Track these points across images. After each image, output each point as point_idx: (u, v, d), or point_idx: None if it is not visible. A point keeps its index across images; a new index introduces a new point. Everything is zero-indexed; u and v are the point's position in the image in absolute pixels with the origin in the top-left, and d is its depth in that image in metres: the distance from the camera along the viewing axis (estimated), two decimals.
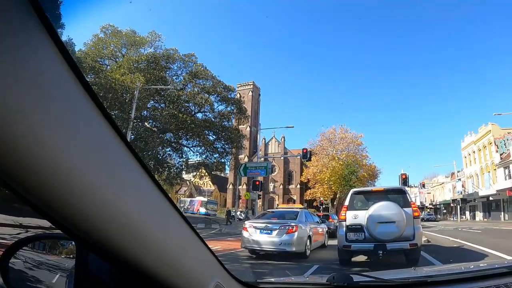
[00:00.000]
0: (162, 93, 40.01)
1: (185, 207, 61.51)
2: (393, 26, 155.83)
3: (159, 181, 1.05)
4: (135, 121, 34.33)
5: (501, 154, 53.54)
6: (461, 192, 65.86)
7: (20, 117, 0.60)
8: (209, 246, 1.41)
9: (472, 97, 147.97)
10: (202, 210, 60.37)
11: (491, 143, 56.12)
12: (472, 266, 3.68)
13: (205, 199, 68.11)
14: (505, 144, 53.04)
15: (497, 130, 55.51)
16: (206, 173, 60.86)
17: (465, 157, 68.69)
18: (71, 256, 2.02)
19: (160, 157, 39.48)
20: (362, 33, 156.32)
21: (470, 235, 22.82)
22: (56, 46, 0.62)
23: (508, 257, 11.00)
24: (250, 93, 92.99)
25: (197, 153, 46.84)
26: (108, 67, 38.93)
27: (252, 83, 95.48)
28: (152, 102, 41.45)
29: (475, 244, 15.86)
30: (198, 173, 58.71)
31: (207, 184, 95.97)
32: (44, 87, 0.65)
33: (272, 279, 2.52)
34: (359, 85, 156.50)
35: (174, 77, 44.71)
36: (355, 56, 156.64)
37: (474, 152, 63.86)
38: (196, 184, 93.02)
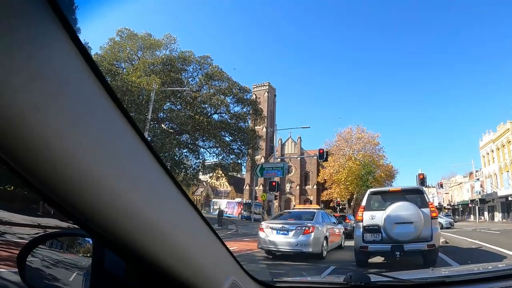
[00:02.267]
0: (178, 95, 40.17)
1: (220, 209, 60.65)
2: (413, 24, 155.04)
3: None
4: (151, 123, 34.62)
5: None
6: (480, 192, 64.62)
7: (36, 111, 0.60)
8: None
9: (491, 95, 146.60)
10: (245, 213, 59.49)
11: (510, 141, 55.32)
12: (490, 267, 3.66)
13: (249, 201, 65.56)
14: None
15: None
16: (223, 174, 60.30)
17: (484, 156, 67.89)
18: (88, 255, 2.05)
19: (177, 158, 39.44)
20: (381, 32, 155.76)
21: (488, 236, 22.69)
22: (72, 41, 0.64)
23: None
24: (266, 94, 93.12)
25: (214, 154, 46.89)
26: (125, 70, 39.27)
27: (267, 83, 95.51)
28: (169, 104, 41.70)
29: (494, 246, 15.80)
30: (214, 174, 58.81)
31: (223, 185, 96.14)
32: (61, 81, 0.64)
33: (289, 279, 2.52)
34: (377, 84, 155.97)
35: (190, 79, 44.99)
36: (373, 56, 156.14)
37: (492, 151, 63.04)
38: (213, 185, 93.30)
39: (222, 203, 63.25)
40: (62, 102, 0.64)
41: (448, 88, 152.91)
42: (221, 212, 40.71)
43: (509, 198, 53.25)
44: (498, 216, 59.70)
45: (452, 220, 43.41)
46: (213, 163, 50.06)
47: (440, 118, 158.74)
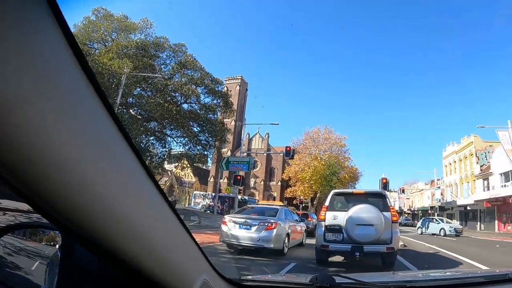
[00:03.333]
0: (149, 81, 39.48)
1: (203, 204, 58.04)
2: (384, 28, 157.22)
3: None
4: (120, 107, 33.92)
5: (481, 166, 54.76)
6: (440, 199, 66.95)
7: (21, 104, 0.57)
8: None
9: (458, 108, 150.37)
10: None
11: (472, 154, 57.25)
12: (449, 274, 3.85)
13: (245, 197, 60.00)
14: (485, 157, 53.94)
15: (479, 142, 56.46)
16: (188, 165, 60.02)
17: (446, 166, 69.99)
18: (51, 243, 1.98)
19: (143, 146, 38.89)
20: (352, 35, 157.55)
21: (445, 243, 23.34)
22: (64, 34, 0.61)
23: (482, 267, 11.30)
24: (238, 87, 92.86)
25: (180, 144, 46.58)
26: (97, 51, 38.31)
27: (240, 77, 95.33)
28: (139, 89, 40.98)
29: (450, 252, 16.31)
30: (180, 164, 58.24)
31: (188, 176, 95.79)
32: (49, 75, 0.62)
33: (255, 277, 2.56)
34: (347, 88, 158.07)
35: (162, 66, 44.18)
36: (344, 59, 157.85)
37: (455, 161, 65.13)
38: (178, 175, 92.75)
39: (206, 196, 62.52)
40: (48, 96, 0.62)
41: (418, 98, 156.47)
42: (174, 202, 40.14)
43: (468, 208, 55.30)
44: (456, 223, 60.51)
45: (460, 227, 37.58)
46: (179, 152, 49.57)
47: (407, 126, 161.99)
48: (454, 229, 34.68)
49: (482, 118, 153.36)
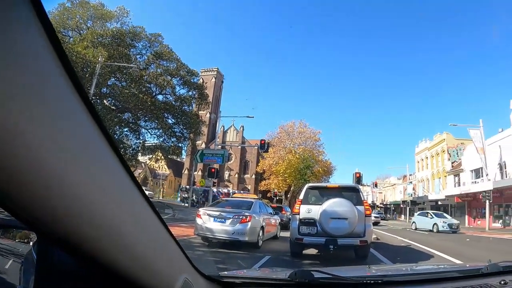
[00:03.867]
0: (124, 71, 38.65)
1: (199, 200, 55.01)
2: (358, 28, 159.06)
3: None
4: (93, 97, 33.13)
5: (452, 163, 56.70)
6: (412, 194, 68.27)
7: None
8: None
9: (430, 106, 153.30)
10: None
11: (444, 151, 59.31)
12: (424, 268, 4.02)
13: (236, 191, 58.28)
14: (457, 154, 55.78)
15: (451, 140, 58.34)
16: (162, 157, 59.10)
17: (418, 162, 71.75)
18: (25, 241, 1.92)
19: (117, 137, 38.26)
20: (328, 33, 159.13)
21: (417, 236, 23.91)
22: (46, 32, 0.59)
23: (455, 260, 11.59)
24: (213, 80, 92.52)
25: (155, 136, 46.08)
26: (71, 39, 37.33)
27: (216, 69, 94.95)
28: (113, 79, 40.19)
29: (422, 245, 16.62)
30: (154, 156, 57.37)
31: (162, 168, 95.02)
32: (22, 67, 0.59)
33: (233, 273, 2.57)
34: (321, 84, 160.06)
35: (138, 56, 43.45)
36: (321, 56, 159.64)
37: (427, 158, 67.05)
38: (151, 167, 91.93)
39: (197, 191, 58.13)
40: (27, 97, 0.60)
41: (392, 95, 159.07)
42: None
43: (439, 202, 56.53)
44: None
45: (456, 222, 32.44)
46: (153, 144, 49.13)
47: (381, 122, 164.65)
48: (448, 224, 30.67)
49: (455, 117, 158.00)
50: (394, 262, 10.97)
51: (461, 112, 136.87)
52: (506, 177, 39.65)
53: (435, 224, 31.10)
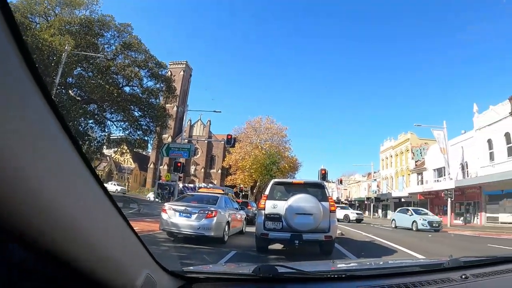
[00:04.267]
0: (91, 61, 37.65)
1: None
2: (329, 29, 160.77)
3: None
4: (58, 87, 32.23)
5: (416, 161, 58.67)
6: (376, 191, 70.17)
7: None
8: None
9: (396, 106, 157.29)
10: None
11: (408, 150, 61.31)
12: (388, 262, 3.99)
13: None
14: (420, 153, 57.90)
15: (415, 139, 60.65)
16: (128, 150, 58.05)
17: (383, 160, 73.80)
18: None
19: (82, 129, 37.34)
20: (297, 33, 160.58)
21: (381, 231, 24.57)
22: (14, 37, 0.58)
23: (417, 255, 12.06)
24: (182, 73, 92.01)
25: (120, 128, 45.16)
26: (38, 26, 36.03)
27: (185, 62, 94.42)
28: (79, 69, 39.07)
29: (385, 240, 17.10)
30: (119, 149, 56.23)
31: (127, 162, 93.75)
32: None
33: (197, 268, 2.54)
34: (289, 81, 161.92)
35: (106, 46, 42.39)
36: (288, 55, 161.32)
37: (391, 156, 69.07)
38: (117, 160, 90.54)
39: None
40: None
41: (358, 95, 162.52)
42: None
43: (402, 200, 58.07)
44: (391, 214, 63.73)
45: (438, 219, 29.52)
46: (119, 137, 47.85)
47: (347, 121, 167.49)
48: (429, 222, 27.87)
49: (419, 118, 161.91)
50: (359, 257, 11.14)
51: (426, 113, 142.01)
52: (467, 176, 41.39)
53: (414, 221, 28.95)
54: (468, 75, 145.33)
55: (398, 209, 36.76)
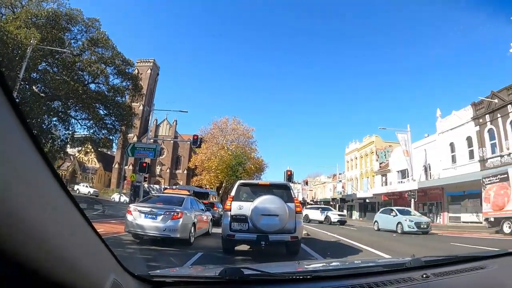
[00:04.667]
0: (57, 56, 36.54)
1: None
2: (295, 29, 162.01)
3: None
4: (22, 82, 31.22)
5: (380, 163, 60.47)
6: (341, 192, 71.22)
7: None
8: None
9: (362, 110, 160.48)
10: None
11: (373, 152, 63.04)
12: (353, 262, 4.17)
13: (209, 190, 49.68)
14: (385, 155, 59.73)
15: (380, 142, 62.65)
16: (92, 149, 56.92)
17: (348, 161, 75.43)
18: None
19: (45, 127, 36.41)
20: (263, 34, 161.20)
21: (346, 232, 24.93)
22: None
23: (383, 254, 12.39)
24: (149, 71, 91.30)
25: (85, 127, 44.03)
26: (4, 17, 35.00)
27: (152, 60, 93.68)
28: (45, 64, 37.81)
29: (351, 240, 17.44)
30: (83, 149, 54.84)
31: (92, 161, 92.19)
32: None
33: (164, 272, 2.63)
34: (255, 83, 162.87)
35: (72, 41, 41.10)
36: (255, 54, 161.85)
37: (356, 158, 70.59)
38: (81, 160, 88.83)
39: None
40: None
41: (324, 97, 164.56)
42: None
43: (367, 200, 60.11)
44: (356, 214, 68.06)
45: (426, 220, 26.36)
46: (83, 136, 46.97)
47: (313, 123, 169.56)
48: (416, 223, 25.03)
49: (384, 121, 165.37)
50: (325, 257, 11.38)
51: (391, 117, 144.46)
52: (430, 178, 43.12)
53: (399, 223, 26.15)
54: (431, 81, 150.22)
55: (381, 209, 33.67)
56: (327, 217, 40.10)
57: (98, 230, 1.31)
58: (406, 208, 31.08)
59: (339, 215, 41.59)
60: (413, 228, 24.68)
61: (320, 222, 39.67)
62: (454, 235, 24.03)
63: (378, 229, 28.68)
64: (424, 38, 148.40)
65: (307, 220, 39.17)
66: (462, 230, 28.90)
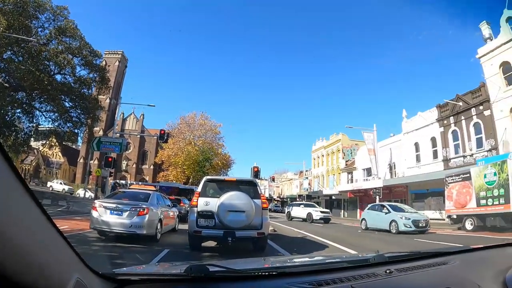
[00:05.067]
0: (23, 45, 35.23)
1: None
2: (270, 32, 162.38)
3: (4, 147, 0.84)
4: None
5: (346, 161, 61.77)
6: (307, 189, 72.89)
7: None
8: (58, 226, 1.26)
9: (328, 109, 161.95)
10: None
11: (339, 150, 64.38)
12: (316, 259, 4.23)
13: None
14: (351, 153, 61.03)
15: (346, 140, 63.96)
16: (57, 143, 55.16)
17: (314, 159, 76.37)
18: None
19: (8, 119, 35.33)
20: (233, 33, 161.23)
21: (313, 228, 25.16)
22: None
23: (346, 249, 12.70)
24: (117, 63, 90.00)
25: (50, 120, 42.66)
26: None
27: (121, 52, 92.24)
28: (10, 53, 36.34)
29: (317, 236, 17.69)
30: (48, 142, 53.23)
31: (56, 156, 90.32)
32: None
33: (129, 270, 2.57)
34: (224, 80, 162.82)
35: (39, 29, 39.40)
36: (222, 51, 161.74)
37: (323, 155, 71.77)
38: (45, 154, 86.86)
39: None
40: None
41: (292, 95, 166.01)
42: None
43: (333, 197, 61.52)
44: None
45: (423, 218, 23.32)
46: (47, 129, 45.68)
47: (281, 120, 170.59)
48: (413, 221, 22.31)
49: (352, 120, 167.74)
50: (291, 253, 11.64)
51: (359, 116, 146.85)
52: (395, 176, 44.84)
53: (393, 221, 23.31)
54: (399, 84, 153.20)
55: (369, 205, 29.29)
56: (309, 214, 35.57)
57: (62, 228, 1.27)
58: (399, 204, 28.36)
59: (321, 211, 36.19)
60: (411, 227, 22.02)
61: (304, 220, 35.74)
62: None
63: (366, 228, 25.97)
64: (394, 40, 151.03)
65: (289, 218, 38.28)
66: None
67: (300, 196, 71.88)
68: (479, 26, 33.65)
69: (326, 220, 34.70)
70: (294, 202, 46.22)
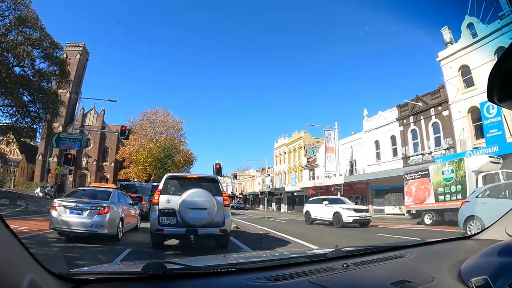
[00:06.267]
0: None
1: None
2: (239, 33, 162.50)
3: None
4: None
5: (308, 158, 62.93)
6: (270, 186, 73.50)
7: None
8: (13, 227, 1.15)
9: (291, 106, 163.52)
10: None
11: (301, 147, 65.33)
12: (278, 254, 4.39)
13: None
14: (313, 151, 62.45)
15: (308, 138, 65.11)
16: (14, 139, 53.08)
17: (277, 156, 77.23)
18: None
19: None
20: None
21: (275, 224, 25.45)
22: None
23: (307, 244, 12.95)
24: (78, 56, 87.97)
25: (7, 114, 41.24)
26: None
27: (83, 45, 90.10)
28: None
29: (279, 232, 17.87)
30: (5, 139, 51.44)
31: (14, 153, 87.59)
32: None
33: (88, 269, 2.51)
34: (187, 76, 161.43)
35: None
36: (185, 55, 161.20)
37: (285, 153, 72.63)
38: (2, 151, 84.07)
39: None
40: None
41: (254, 93, 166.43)
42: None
43: (295, 194, 62.39)
44: (284, 207, 70.28)
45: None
46: (4, 124, 43.44)
47: (243, 117, 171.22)
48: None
49: (314, 118, 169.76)
50: (254, 249, 11.79)
51: (321, 114, 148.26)
52: (355, 173, 46.34)
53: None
54: (362, 84, 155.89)
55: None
56: (336, 216, 23.96)
57: (21, 228, 1.16)
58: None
59: (356, 210, 23.96)
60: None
61: (330, 223, 24.51)
62: (381, 226, 25.31)
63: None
64: (357, 42, 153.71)
65: (308, 220, 27.17)
66: (387, 221, 30.96)
67: (262, 193, 72.52)
68: (441, 30, 35.01)
69: (363, 224, 23.77)
70: (313, 198, 31.26)
